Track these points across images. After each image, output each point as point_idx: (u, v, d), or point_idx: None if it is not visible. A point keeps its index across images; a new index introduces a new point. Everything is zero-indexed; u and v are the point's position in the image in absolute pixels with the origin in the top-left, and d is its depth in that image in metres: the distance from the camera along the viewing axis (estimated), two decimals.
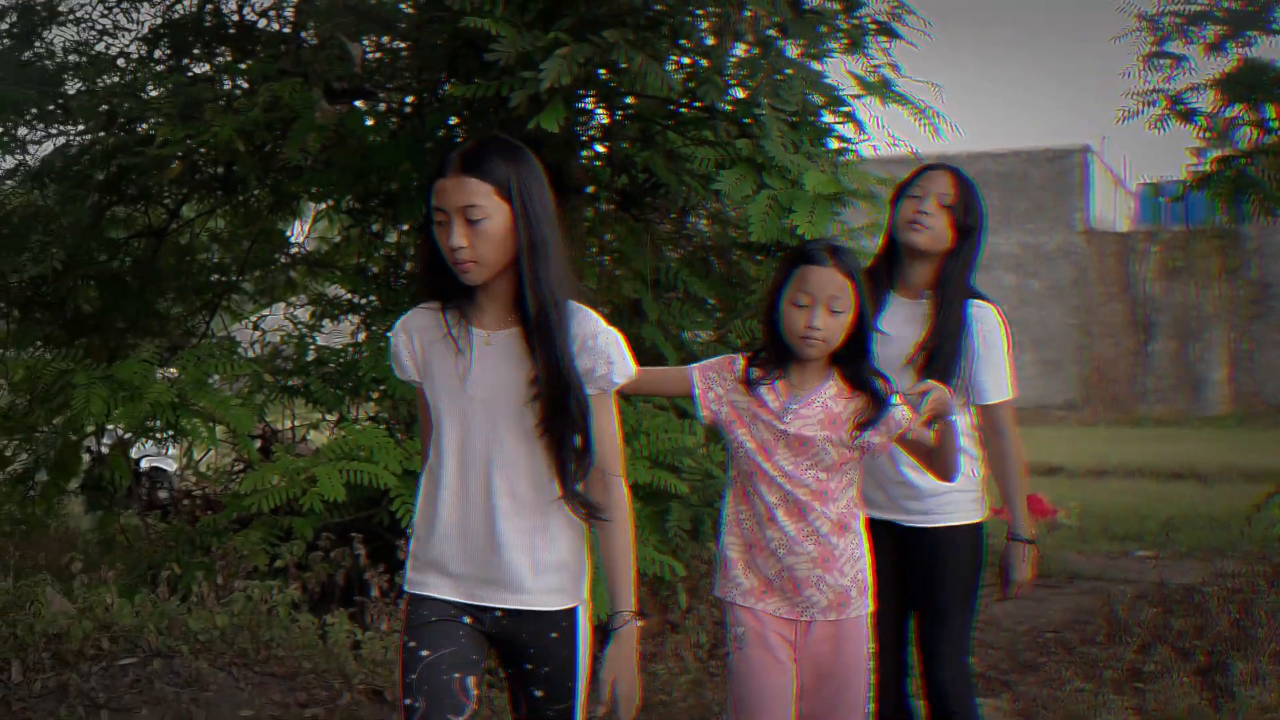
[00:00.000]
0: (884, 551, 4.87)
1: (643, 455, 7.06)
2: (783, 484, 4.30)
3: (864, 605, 4.38)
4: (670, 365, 7.90)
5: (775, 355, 4.33)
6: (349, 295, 8.61)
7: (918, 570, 5.03)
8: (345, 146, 8.11)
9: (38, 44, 9.04)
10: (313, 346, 8.07)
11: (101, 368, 7.14)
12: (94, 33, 9.11)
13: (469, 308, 3.86)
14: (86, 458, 8.95)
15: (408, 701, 3.68)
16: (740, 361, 4.40)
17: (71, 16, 9.13)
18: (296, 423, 8.86)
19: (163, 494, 10.44)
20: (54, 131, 8.73)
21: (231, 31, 9.07)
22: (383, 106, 8.74)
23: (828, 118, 7.79)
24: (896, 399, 4.31)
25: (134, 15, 9.20)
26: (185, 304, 9.49)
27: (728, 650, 4.44)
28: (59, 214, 8.55)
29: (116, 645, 5.93)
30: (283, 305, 9.90)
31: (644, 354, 8.10)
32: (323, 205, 9.59)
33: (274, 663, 6.11)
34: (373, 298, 8.33)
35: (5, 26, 9.08)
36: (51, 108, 8.46)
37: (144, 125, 8.30)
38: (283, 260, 9.59)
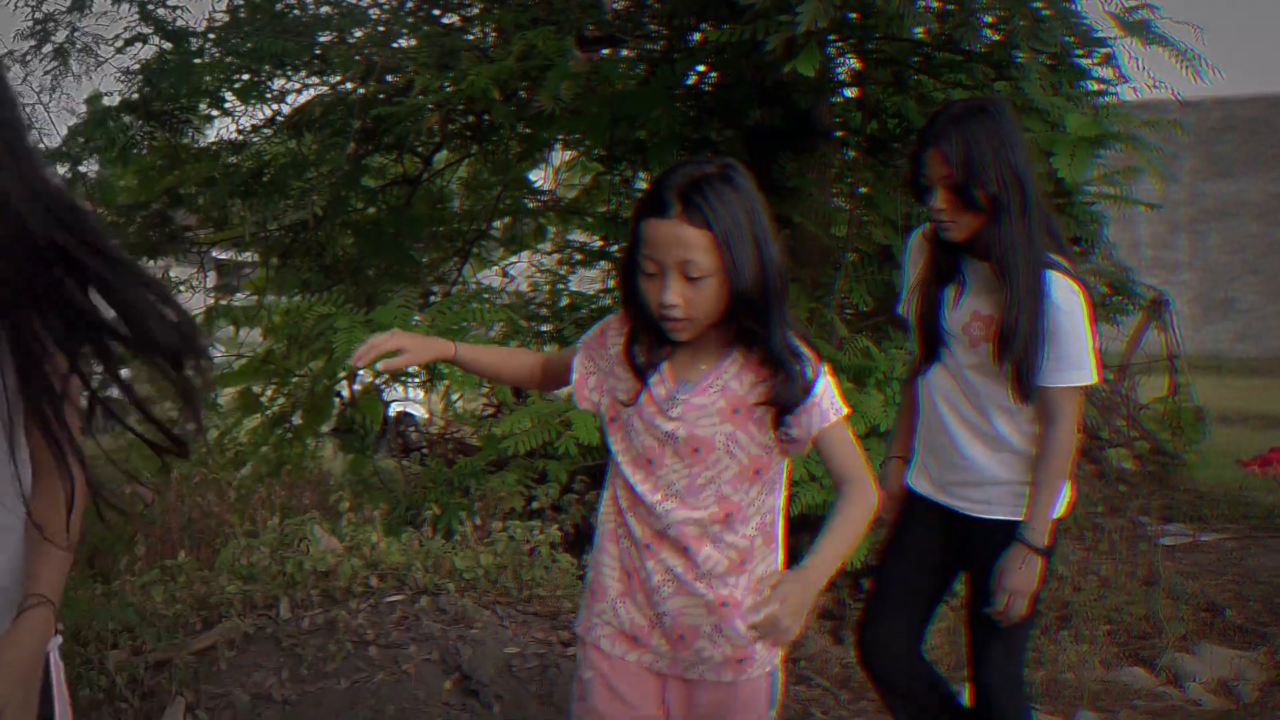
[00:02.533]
0: (929, 529, 4.58)
1: None
2: (664, 515, 3.29)
3: (771, 658, 3.41)
4: None
5: (653, 333, 3.28)
6: (598, 241, 8.69)
7: (976, 563, 4.52)
8: (595, 94, 8.16)
9: None
10: (565, 292, 8.18)
11: (361, 313, 7.28)
12: None
13: None
14: (336, 402, 9.16)
15: None
16: (619, 331, 3.37)
17: None
18: None
19: (411, 438, 10.67)
20: (310, 82, 8.93)
21: None
22: (628, 53, 8.77)
23: (1083, 60, 7.64)
24: (826, 378, 3.29)
25: None
26: (437, 251, 9.66)
27: (570, 696, 3.57)
28: (317, 163, 8.74)
29: (384, 583, 6.06)
30: (527, 252, 10.04)
31: (895, 299, 8.05)
32: (569, 153, 9.70)
33: (536, 602, 6.20)
34: (624, 243, 8.37)
35: None
36: (307, 59, 8.64)
37: (395, 75, 8.44)
38: (532, 207, 9.69)
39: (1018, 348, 4.20)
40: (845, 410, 3.31)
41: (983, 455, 4.42)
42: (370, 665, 5.50)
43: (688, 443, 3.26)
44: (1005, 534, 4.36)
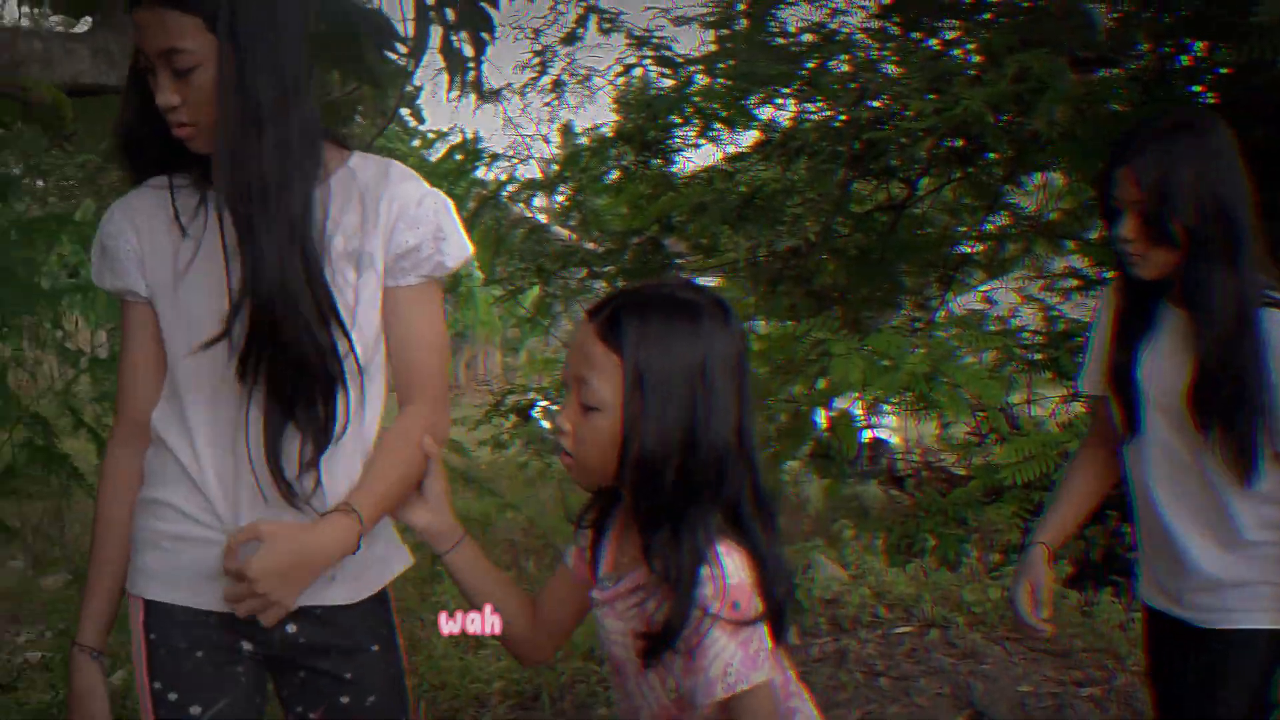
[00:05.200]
0: (1180, 651, 3.69)
1: None
2: None
3: None
4: None
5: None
6: (1089, 267, 8.49)
7: (1195, 678, 3.62)
8: (1086, 116, 7.96)
9: (771, 24, 9.33)
10: (1062, 319, 8.01)
11: (855, 339, 7.25)
12: (825, 12, 9.32)
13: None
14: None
15: None
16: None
17: None
18: (1034, 397, 8.80)
19: (885, 464, 10.64)
20: (801, 110, 8.98)
21: (964, 4, 9.07)
22: (1120, 73, 8.53)
23: None
24: (713, 594, 2.39)
25: None
26: (921, 276, 9.57)
27: None
28: (806, 189, 8.79)
29: (893, 614, 6.04)
30: (1011, 277, 9.87)
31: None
32: (1056, 176, 9.50)
33: (1045, 639, 6.08)
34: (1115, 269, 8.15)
35: (741, 8, 9.42)
36: (797, 85, 8.70)
37: (878, 100, 8.42)
38: (1016, 231, 9.52)
39: (1221, 409, 3.45)
40: (758, 679, 2.43)
41: (1212, 552, 3.57)
42: (881, 697, 5.49)
43: (613, 663, 2.68)
44: (1267, 645, 3.54)
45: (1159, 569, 3.74)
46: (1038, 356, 7.86)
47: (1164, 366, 3.63)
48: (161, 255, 2.87)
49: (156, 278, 2.89)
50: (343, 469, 2.85)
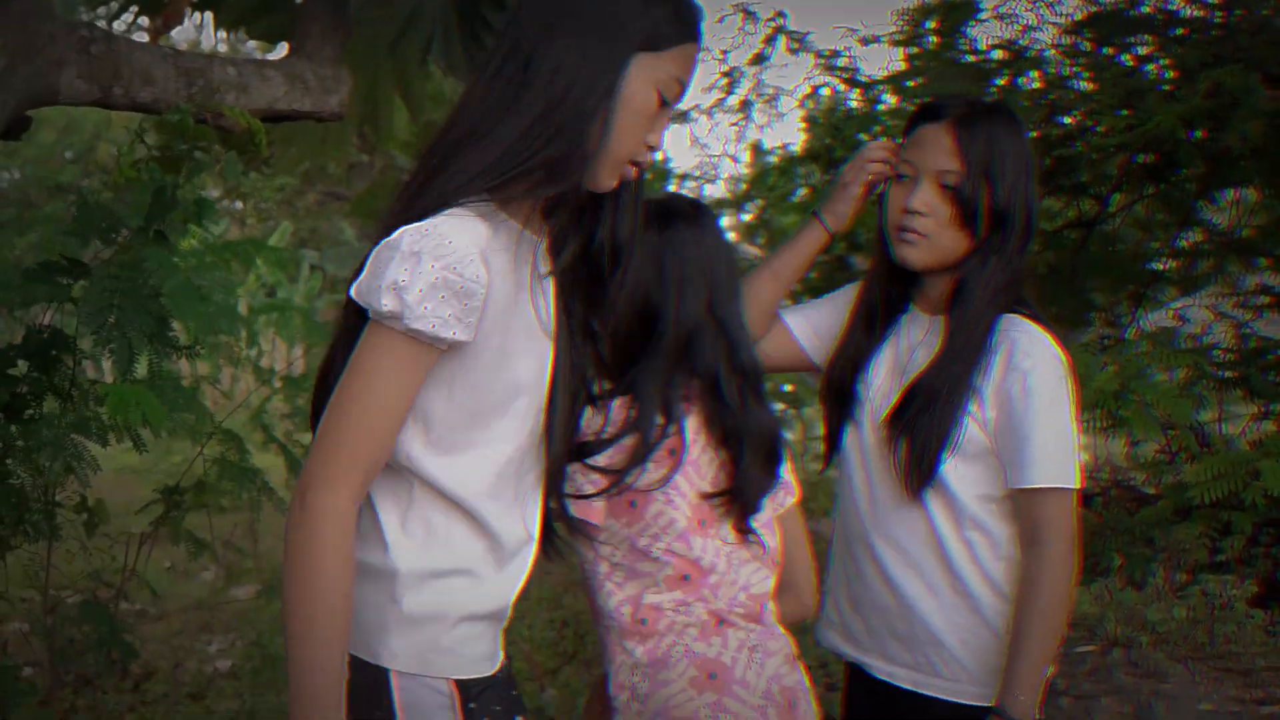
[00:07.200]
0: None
1: None
2: None
3: None
4: None
5: None
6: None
7: None
8: (1278, 132, 7.87)
9: (961, 41, 9.33)
10: (1253, 336, 7.93)
11: None
12: (1015, 29, 9.29)
13: (535, 218, 2.77)
14: None
15: None
16: None
17: (994, 13, 9.36)
18: (1225, 415, 8.70)
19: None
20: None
21: (1157, 20, 9.00)
22: None
23: None
24: None
25: (1059, 8, 9.31)
26: (1111, 293, 9.49)
27: None
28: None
29: (1075, 632, 6.04)
30: (1203, 294, 9.74)
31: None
32: (1245, 190, 9.37)
33: (1229, 658, 6.03)
34: None
35: (930, 26, 9.43)
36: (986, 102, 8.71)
37: (1069, 117, 8.40)
38: (1208, 248, 9.41)
39: (920, 414, 3.09)
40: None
41: (927, 597, 3.20)
42: (1062, 716, 5.50)
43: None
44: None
45: (847, 610, 3.40)
46: (1229, 374, 7.80)
47: (893, 384, 3.34)
48: (513, 302, 2.66)
49: (495, 326, 2.62)
50: None
